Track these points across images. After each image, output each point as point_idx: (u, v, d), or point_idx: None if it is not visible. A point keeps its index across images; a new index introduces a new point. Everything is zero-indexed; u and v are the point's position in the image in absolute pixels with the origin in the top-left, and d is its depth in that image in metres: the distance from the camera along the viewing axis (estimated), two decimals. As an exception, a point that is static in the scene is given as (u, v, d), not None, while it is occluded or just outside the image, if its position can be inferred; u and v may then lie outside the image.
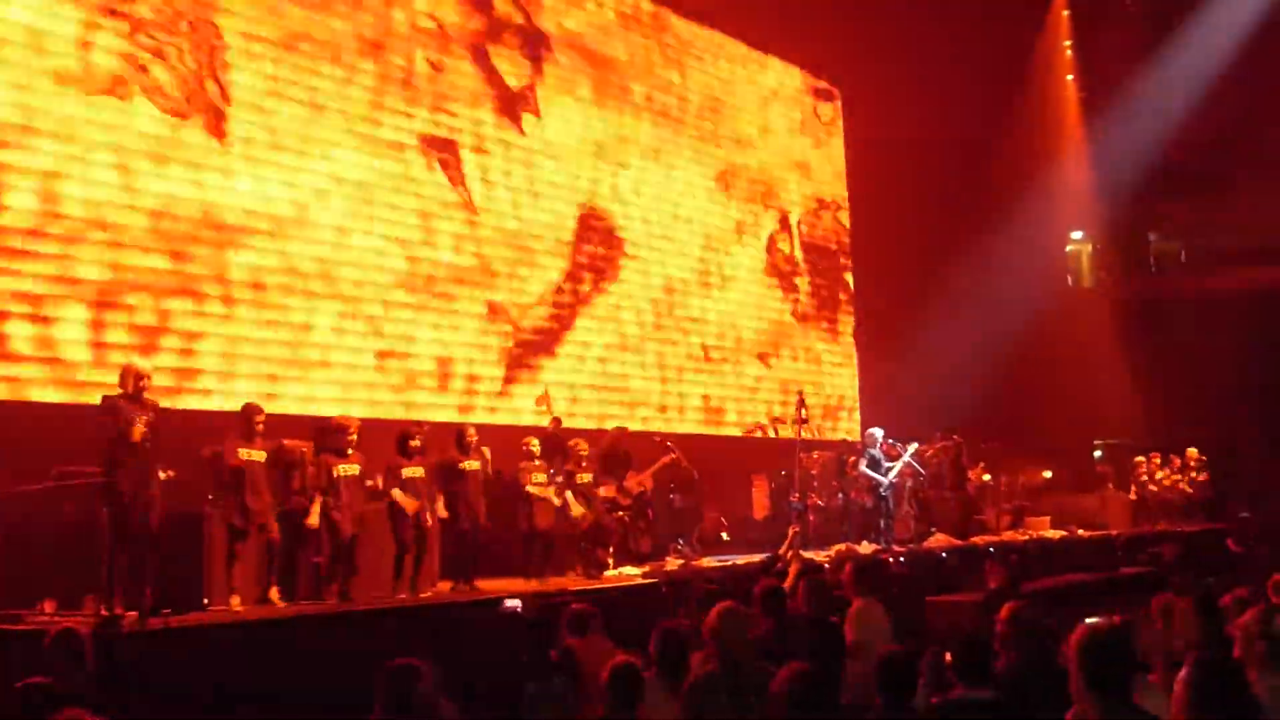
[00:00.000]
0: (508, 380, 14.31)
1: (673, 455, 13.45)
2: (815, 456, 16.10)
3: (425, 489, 9.85)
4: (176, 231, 11.08)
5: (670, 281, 16.86)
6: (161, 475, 8.05)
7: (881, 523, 14.32)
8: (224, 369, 11.33)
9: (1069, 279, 24.87)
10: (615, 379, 15.78)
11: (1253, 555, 15.07)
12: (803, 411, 13.64)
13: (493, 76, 14.62)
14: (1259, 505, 18.86)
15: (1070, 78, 22.83)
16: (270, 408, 9.66)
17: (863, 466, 14.48)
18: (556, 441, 12.01)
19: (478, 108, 14.36)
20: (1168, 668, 5.00)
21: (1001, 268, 19.35)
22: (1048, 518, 17.96)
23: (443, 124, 13.85)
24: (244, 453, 8.76)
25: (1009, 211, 20.03)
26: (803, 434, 14.01)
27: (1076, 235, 24.85)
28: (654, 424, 15.71)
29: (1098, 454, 21.29)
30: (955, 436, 16.77)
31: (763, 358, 18.48)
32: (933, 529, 15.46)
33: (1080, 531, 17.10)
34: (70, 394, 10.06)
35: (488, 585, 10.22)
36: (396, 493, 9.58)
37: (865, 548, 13.53)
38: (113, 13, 10.79)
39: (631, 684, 4.94)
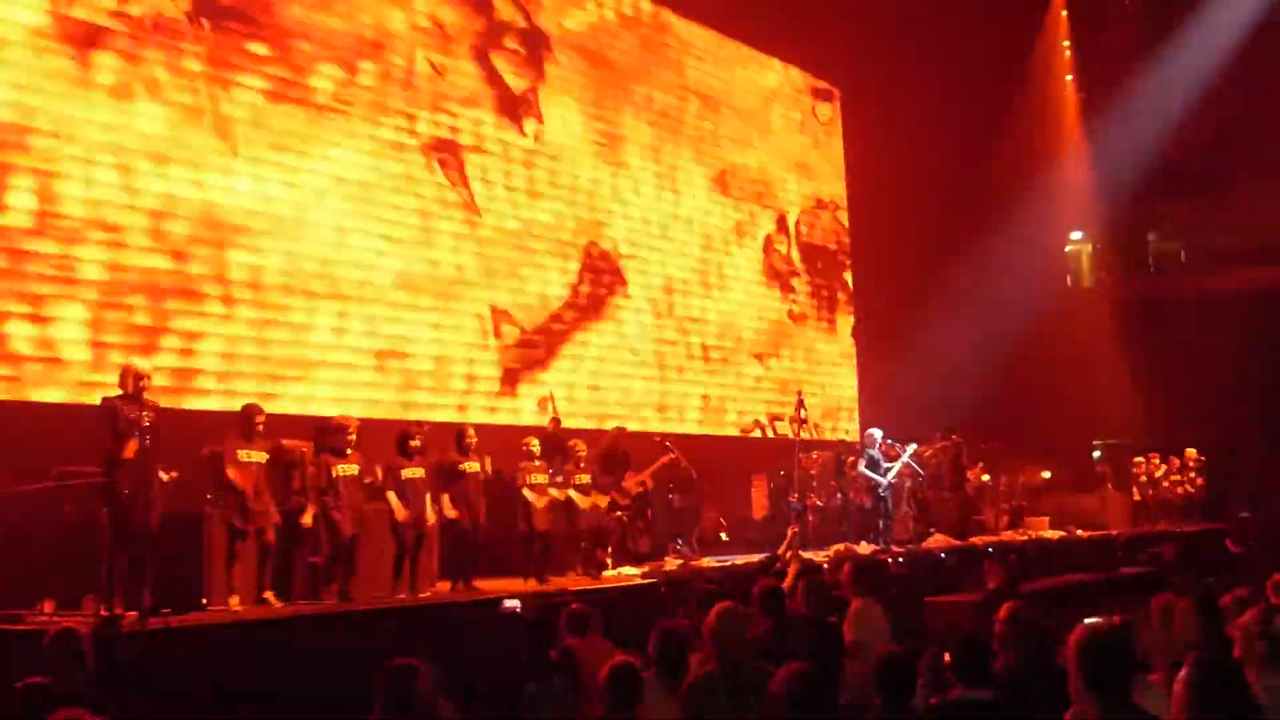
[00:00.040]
0: (507, 381, 14.31)
1: (672, 455, 13.45)
2: (814, 457, 16.10)
3: (425, 489, 9.87)
4: (177, 231, 11.08)
5: (670, 281, 16.86)
6: (164, 476, 8.05)
7: (880, 523, 14.33)
8: (224, 369, 11.33)
9: (1068, 279, 24.89)
10: (614, 379, 15.78)
11: (1252, 555, 15.08)
12: (802, 411, 13.65)
13: (494, 77, 14.62)
14: (1258, 505, 18.87)
15: (1069, 78, 22.85)
16: (270, 408, 9.66)
17: (861, 467, 14.48)
18: (556, 441, 12.01)
19: (479, 109, 14.37)
20: (1167, 668, 5.00)
21: (1001, 268, 19.35)
22: (1047, 518, 17.96)
23: (443, 125, 13.85)
24: (244, 453, 8.77)
25: (1008, 211, 20.03)
26: (802, 434, 14.01)
27: (1076, 235, 24.87)
28: (653, 424, 15.71)
29: (1097, 454, 21.28)
30: (955, 437, 16.77)
31: (761, 358, 18.48)
32: (931, 529, 15.46)
33: (1079, 532, 17.10)
34: (70, 394, 10.06)
35: (487, 585, 10.22)
36: (391, 495, 9.61)
37: (864, 548, 13.53)
38: (116, 14, 10.79)
39: (630, 684, 4.94)
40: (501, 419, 13.90)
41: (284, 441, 9.41)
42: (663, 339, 16.63)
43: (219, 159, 11.50)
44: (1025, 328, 19.35)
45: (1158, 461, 19.63)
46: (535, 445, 11.24)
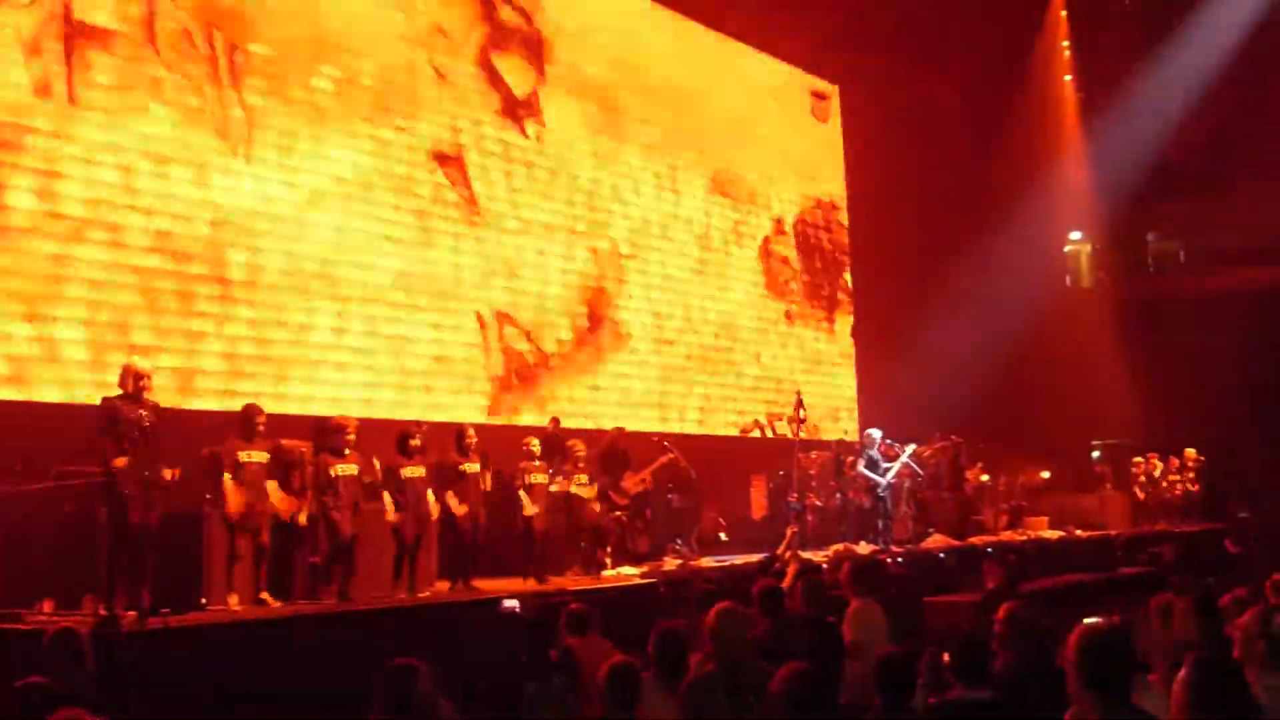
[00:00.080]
0: (508, 380, 14.30)
1: (671, 455, 13.45)
2: (813, 457, 16.10)
3: (425, 488, 9.89)
4: (178, 231, 11.07)
5: (669, 281, 16.86)
6: (167, 474, 8.06)
7: (879, 523, 14.34)
8: (224, 369, 11.32)
9: (1068, 279, 24.92)
10: (613, 378, 15.78)
11: (1251, 555, 15.09)
12: (801, 411, 13.65)
13: (495, 80, 14.62)
14: (1258, 505, 18.88)
15: (1069, 78, 22.84)
16: (270, 408, 9.67)
17: (861, 467, 14.49)
18: (556, 441, 12.02)
19: (480, 111, 14.36)
20: (1167, 668, 5.00)
21: (1000, 268, 19.36)
22: (1046, 518, 17.97)
23: (445, 126, 13.84)
24: (245, 454, 8.78)
25: (1008, 211, 20.03)
26: (801, 434, 14.02)
27: (1075, 235, 24.89)
28: (652, 424, 15.71)
29: (1096, 454, 21.30)
30: (954, 437, 16.77)
31: (760, 358, 18.47)
32: (931, 529, 15.47)
33: (1078, 532, 17.11)
34: (70, 394, 10.05)
35: (486, 585, 10.23)
36: (385, 495, 9.64)
37: (863, 548, 13.54)
38: (123, 18, 10.81)
39: (629, 684, 4.94)
40: (502, 419, 13.89)
41: (283, 441, 9.42)
42: (662, 339, 16.62)
43: (220, 159, 11.50)
44: (1024, 328, 19.36)
45: (1157, 461, 19.65)
46: (535, 445, 11.25)
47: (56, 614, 7.90)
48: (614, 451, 13.03)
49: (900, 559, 13.17)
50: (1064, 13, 22.55)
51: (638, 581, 10.99)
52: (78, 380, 10.15)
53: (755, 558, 11.90)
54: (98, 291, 10.42)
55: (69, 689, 5.20)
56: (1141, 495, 19.24)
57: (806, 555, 12.04)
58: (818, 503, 15.63)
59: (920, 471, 15.72)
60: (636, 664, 5.07)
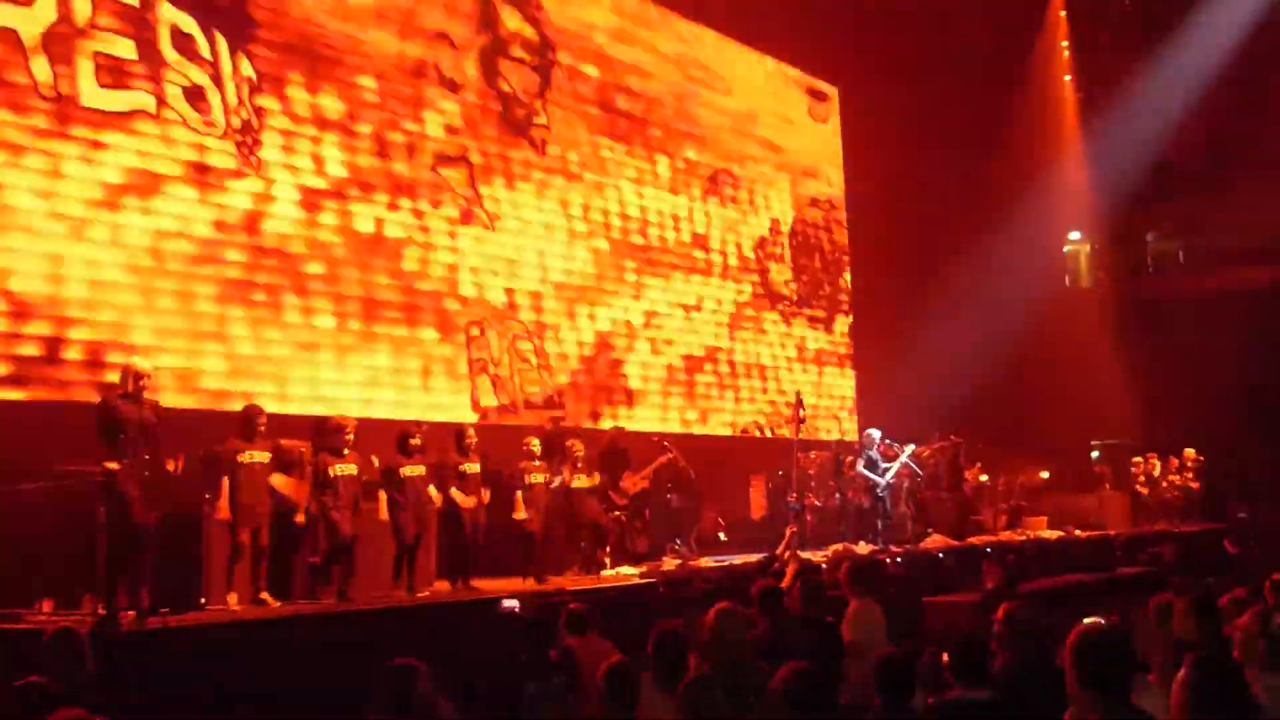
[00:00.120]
0: (508, 380, 14.30)
1: (670, 455, 13.46)
2: (813, 457, 16.12)
3: (425, 487, 9.90)
4: (179, 231, 11.06)
5: (669, 281, 16.85)
6: (170, 465, 8.07)
7: (878, 523, 14.35)
8: (224, 369, 11.31)
9: (1067, 279, 24.92)
10: (613, 378, 15.77)
11: (1250, 555, 15.10)
12: (800, 411, 13.65)
13: (499, 83, 14.62)
14: (1257, 505, 18.89)
15: (1068, 78, 22.85)
16: (271, 407, 9.68)
17: (860, 467, 14.50)
18: (556, 441, 12.03)
19: (484, 114, 14.36)
20: (1166, 668, 5.00)
21: (999, 268, 19.36)
22: (1045, 518, 17.97)
23: (448, 129, 13.84)
24: (246, 454, 8.78)
25: (1007, 211, 20.03)
26: (800, 434, 14.02)
27: (1074, 235, 24.89)
28: (651, 424, 15.71)
29: (1095, 454, 21.31)
30: (953, 437, 16.78)
31: (759, 358, 18.47)
32: (930, 529, 15.47)
33: (1077, 532, 17.11)
34: (70, 394, 10.04)
35: (486, 585, 10.23)
36: (381, 495, 9.64)
37: (862, 548, 13.55)
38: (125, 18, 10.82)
39: (628, 684, 4.94)
40: (502, 419, 13.89)
41: (282, 441, 9.43)
42: (662, 338, 16.62)
43: (225, 162, 11.49)
44: (1024, 328, 19.36)
45: (1156, 461, 19.65)
46: (535, 445, 11.26)
47: (56, 614, 7.90)
48: (613, 451, 13.03)
49: (899, 559, 13.18)
50: (1064, 13, 22.57)
51: (637, 581, 11.00)
52: (78, 380, 10.14)
53: (754, 558, 11.90)
54: (98, 292, 10.40)
55: (68, 689, 5.21)
56: (1142, 494, 19.24)
57: (806, 555, 12.04)
58: (817, 503, 15.64)
59: (919, 471, 15.73)
60: (634, 664, 5.07)
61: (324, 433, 9.67)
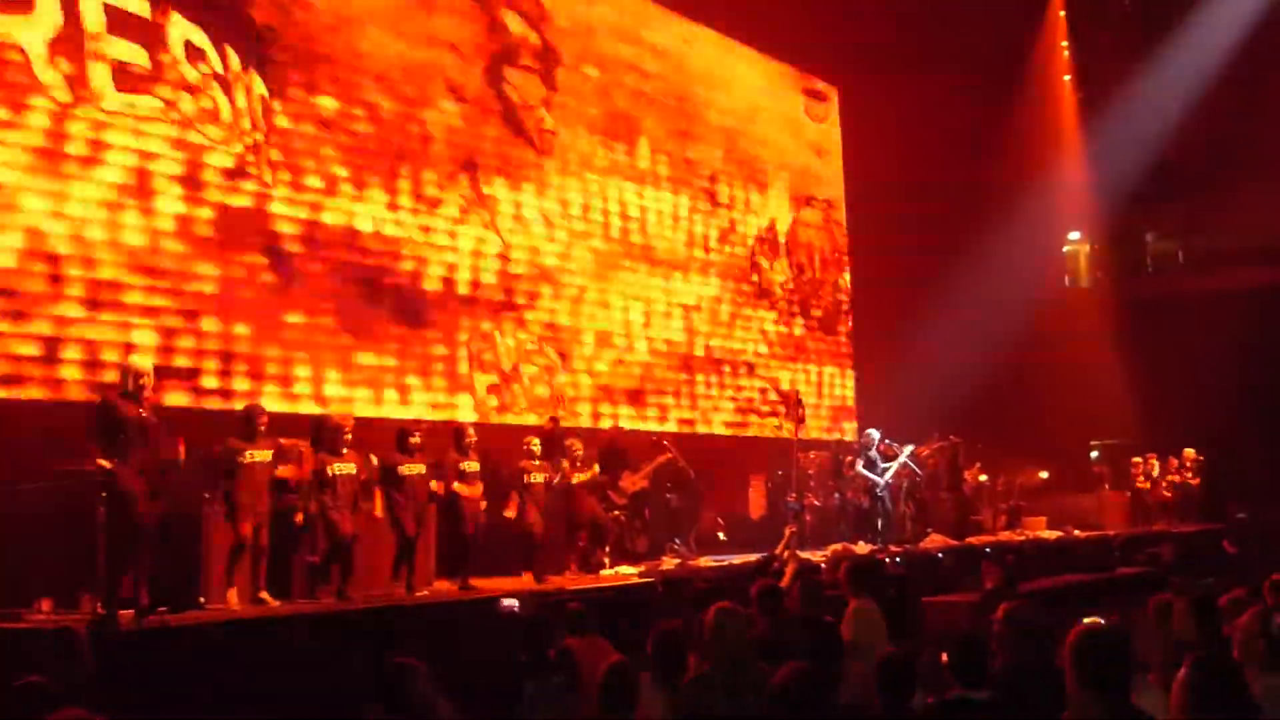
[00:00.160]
0: (509, 380, 14.30)
1: (668, 454, 13.47)
2: (812, 456, 16.13)
3: (425, 485, 9.91)
4: (184, 232, 11.06)
5: (669, 281, 16.85)
6: (181, 451, 8.09)
7: (878, 523, 14.35)
8: (225, 368, 11.31)
9: (1066, 279, 24.93)
10: (613, 378, 15.77)
11: (1249, 556, 15.10)
12: (799, 411, 13.66)
13: (504, 89, 14.63)
14: (1256, 506, 18.88)
15: (1067, 78, 22.85)
16: (272, 407, 9.68)
17: (859, 467, 14.51)
18: (556, 441, 12.03)
19: (489, 117, 14.37)
20: (1165, 668, 5.00)
21: (999, 268, 19.34)
22: (1044, 518, 17.99)
23: (454, 133, 13.85)
24: (248, 454, 8.79)
25: (1006, 212, 20.03)
26: (799, 434, 14.02)
27: (1074, 235, 24.91)
28: (650, 423, 15.71)
29: (1095, 454, 21.33)
30: (952, 437, 16.79)
31: (758, 358, 18.47)
32: (929, 529, 15.48)
33: (1077, 532, 17.12)
34: (70, 393, 10.04)
35: (485, 584, 10.23)
36: (377, 494, 9.66)
37: (861, 548, 13.55)
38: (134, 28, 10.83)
39: (627, 684, 4.94)
40: (503, 419, 13.90)
41: (281, 440, 9.43)
42: (662, 338, 16.61)
43: (222, 160, 11.49)
44: (1023, 328, 19.36)
45: (1155, 462, 19.65)
46: (536, 444, 11.26)
47: (55, 613, 7.90)
48: (612, 450, 13.04)
49: (899, 559, 13.19)
50: (1063, 13, 22.57)
51: (636, 581, 11.00)
52: (77, 380, 10.13)
53: (754, 557, 11.90)
54: (101, 290, 10.40)
55: (66, 688, 5.20)
56: (1143, 493, 19.24)
57: (805, 555, 12.05)
58: (816, 502, 15.66)
59: (919, 471, 15.74)
60: (634, 664, 5.07)
61: (323, 431, 9.67)
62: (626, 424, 15.08)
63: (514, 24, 14.94)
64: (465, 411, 13.48)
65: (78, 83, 10.31)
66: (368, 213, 12.79)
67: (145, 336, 10.62)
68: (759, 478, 16.71)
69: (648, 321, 16.37)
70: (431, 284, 13.42)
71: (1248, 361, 20.17)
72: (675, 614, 8.60)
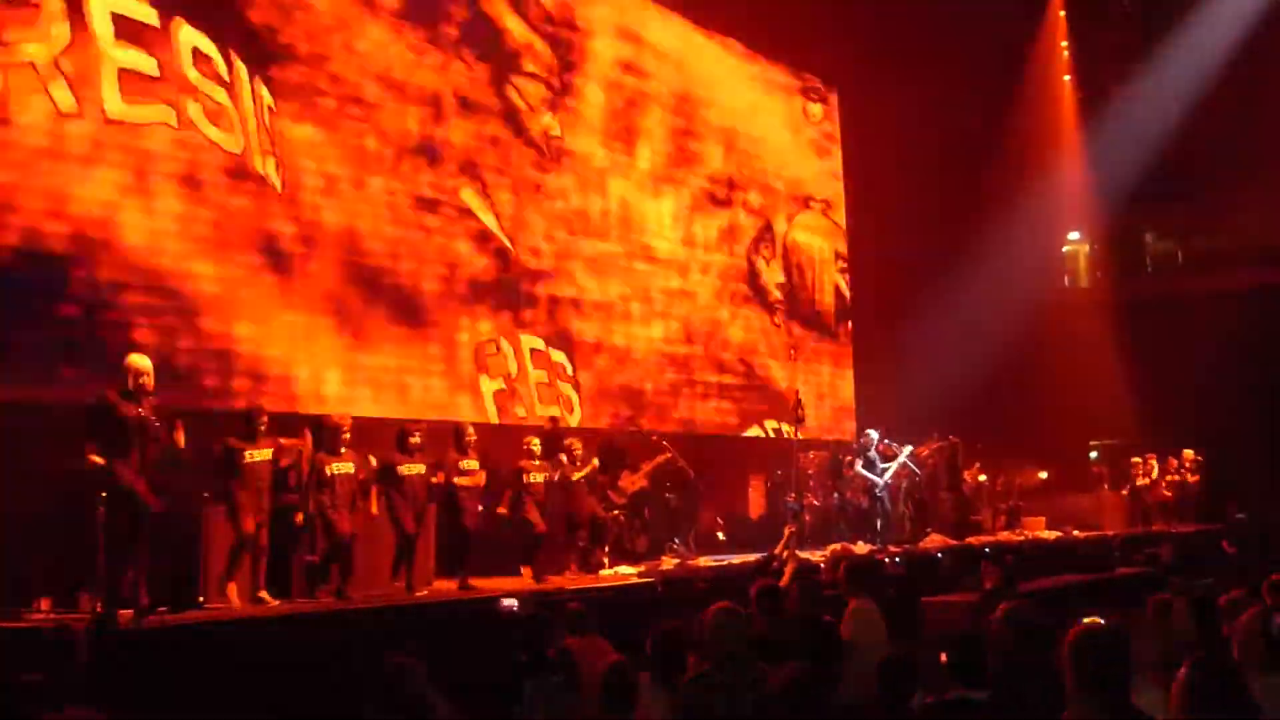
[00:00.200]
0: (508, 380, 14.30)
1: (667, 454, 13.47)
2: (811, 456, 16.13)
3: (424, 484, 9.91)
4: (187, 232, 11.06)
5: (669, 282, 16.85)
6: (180, 439, 8.09)
7: (877, 523, 14.35)
8: (225, 368, 11.31)
9: (1066, 279, 24.95)
10: (612, 378, 15.77)
11: (1248, 556, 15.09)
12: (799, 411, 13.66)
13: (509, 97, 14.63)
14: (1255, 506, 18.90)
15: (1067, 78, 22.86)
16: (272, 407, 9.68)
17: (859, 467, 14.51)
18: (555, 441, 12.04)
19: (495, 121, 14.37)
20: (1164, 668, 5.00)
21: (999, 268, 19.35)
22: (1043, 518, 18.00)
23: (458, 136, 13.85)
24: (249, 454, 8.79)
25: (1006, 212, 20.04)
26: (799, 434, 14.02)
27: (1073, 236, 24.92)
28: (649, 423, 15.70)
29: (1094, 454, 21.33)
30: (951, 437, 16.79)
31: (758, 357, 18.47)
32: (928, 529, 15.48)
33: (1076, 532, 17.13)
34: (70, 393, 10.03)
35: (484, 584, 10.24)
36: (374, 492, 9.66)
37: (861, 548, 13.55)
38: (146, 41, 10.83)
39: (627, 684, 4.94)
40: (503, 418, 13.89)
41: (281, 440, 9.44)
42: (663, 338, 16.61)
43: (220, 157, 11.50)
44: (1022, 328, 19.37)
45: (1154, 462, 19.66)
46: (536, 444, 11.27)
47: (54, 612, 7.90)
48: (611, 450, 13.05)
49: (898, 559, 13.19)
50: (1063, 13, 22.57)
51: (635, 581, 11.01)
52: (79, 379, 10.12)
53: (753, 557, 11.91)
54: (101, 290, 10.39)
55: (65, 687, 5.21)
56: (1140, 493, 19.24)
57: (804, 555, 12.05)
58: (815, 502, 15.66)
59: (918, 471, 15.75)
60: (634, 663, 5.07)
61: (321, 431, 9.68)
62: (626, 424, 15.07)
63: (514, 25, 14.94)
64: (467, 411, 13.47)
65: (85, 88, 10.31)
66: (368, 213, 12.80)
67: (145, 336, 10.62)
68: (758, 478, 16.72)
69: (647, 321, 16.37)
70: (431, 284, 13.43)
71: (1247, 361, 20.19)
72: (675, 614, 8.61)
